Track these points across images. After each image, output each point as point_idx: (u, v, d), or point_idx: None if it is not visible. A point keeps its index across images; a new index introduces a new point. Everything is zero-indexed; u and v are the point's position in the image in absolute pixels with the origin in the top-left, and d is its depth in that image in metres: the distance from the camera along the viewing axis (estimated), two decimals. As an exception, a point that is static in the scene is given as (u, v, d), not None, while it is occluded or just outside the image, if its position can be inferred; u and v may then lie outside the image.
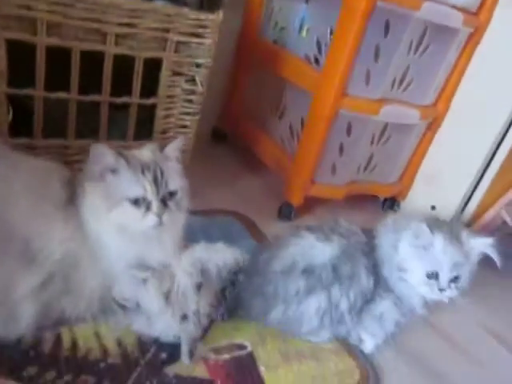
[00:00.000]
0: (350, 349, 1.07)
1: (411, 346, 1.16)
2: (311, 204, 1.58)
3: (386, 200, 1.79)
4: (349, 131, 1.42)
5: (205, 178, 1.62)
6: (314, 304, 0.97)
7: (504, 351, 1.25)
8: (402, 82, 1.43)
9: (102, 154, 0.88)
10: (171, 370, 0.89)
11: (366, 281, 0.99)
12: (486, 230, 1.59)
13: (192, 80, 1.22)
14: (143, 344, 0.93)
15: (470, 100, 1.56)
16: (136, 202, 0.89)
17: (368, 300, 1.00)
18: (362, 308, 1.01)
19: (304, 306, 0.97)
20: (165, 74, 1.18)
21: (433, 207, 1.69)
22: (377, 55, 1.31)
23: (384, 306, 1.01)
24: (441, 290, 0.95)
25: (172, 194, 0.94)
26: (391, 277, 0.99)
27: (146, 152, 0.96)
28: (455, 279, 0.96)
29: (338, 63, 1.28)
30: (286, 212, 1.49)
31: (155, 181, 0.91)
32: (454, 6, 1.34)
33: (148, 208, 0.90)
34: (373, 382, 1.00)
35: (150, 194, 0.90)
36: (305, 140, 1.44)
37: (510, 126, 1.49)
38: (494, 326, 1.34)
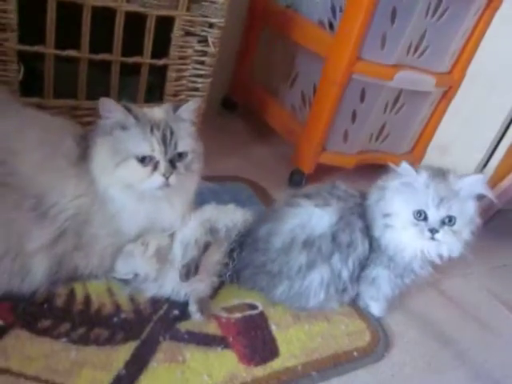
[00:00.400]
0: (361, 312, 1.07)
1: (420, 310, 1.16)
2: (321, 172, 1.57)
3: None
4: (362, 97, 1.39)
5: (215, 145, 1.60)
6: (318, 277, 0.97)
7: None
8: (418, 47, 1.40)
9: (111, 108, 0.87)
10: (183, 327, 0.90)
11: (361, 246, 0.97)
12: (501, 201, 1.58)
13: (204, 41, 1.19)
14: (155, 302, 0.94)
15: (485, 69, 1.52)
16: (143, 160, 0.88)
17: (364, 266, 0.99)
18: (359, 274, 1.00)
19: (308, 280, 0.97)
20: (177, 34, 1.16)
21: (445, 178, 1.66)
22: (393, 17, 1.28)
23: (377, 270, 0.99)
24: (431, 231, 0.89)
25: (181, 156, 0.92)
26: (380, 232, 0.95)
27: (157, 111, 0.94)
28: (448, 221, 0.90)
29: (352, 25, 1.25)
30: (296, 179, 1.48)
31: (164, 140, 0.89)
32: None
33: (155, 168, 0.89)
34: (383, 344, 1.01)
35: (158, 153, 0.88)
36: (316, 106, 1.41)
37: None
38: (504, 293, 1.33)
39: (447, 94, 1.59)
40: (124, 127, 0.88)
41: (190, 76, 1.25)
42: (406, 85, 1.42)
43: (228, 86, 1.90)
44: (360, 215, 0.98)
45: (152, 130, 0.88)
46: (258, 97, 1.75)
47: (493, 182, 1.58)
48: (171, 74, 1.22)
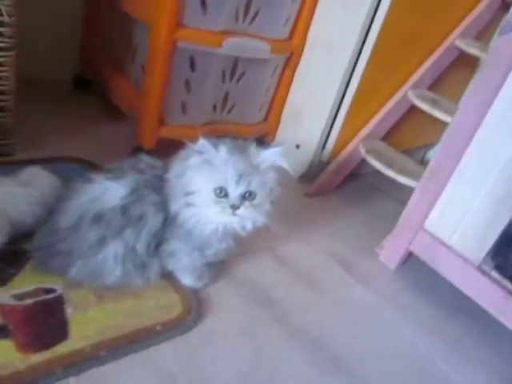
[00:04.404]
0: (178, 285, 1.04)
1: (250, 276, 1.16)
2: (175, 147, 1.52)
3: (256, 141, 1.76)
4: (192, 66, 1.35)
5: (59, 127, 1.53)
6: (111, 253, 0.92)
7: (348, 277, 1.28)
8: (247, 12, 1.37)
9: None
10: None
11: (153, 219, 0.93)
12: (347, 165, 1.62)
13: (-3, 10, 1.09)
14: None
15: (323, 33, 1.54)
16: None
17: (161, 239, 0.96)
18: (158, 248, 0.97)
19: (101, 257, 0.92)
20: (-40, 2, 1.05)
21: (297, 146, 1.68)
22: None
23: (173, 244, 0.97)
24: (233, 207, 0.88)
25: None
26: (178, 208, 0.93)
27: None
28: (249, 196, 0.90)
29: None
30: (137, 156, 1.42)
31: None
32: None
33: None
34: (195, 314, 0.99)
35: None
36: (148, 77, 1.35)
37: (357, 61, 1.49)
38: (342, 253, 1.37)
39: (290, 60, 1.59)
40: None
41: (-12, 49, 1.14)
42: (237, 52, 1.39)
43: (78, 64, 1.79)
44: (156, 188, 0.95)
45: None
46: (106, 73, 1.66)
47: (339, 147, 1.62)
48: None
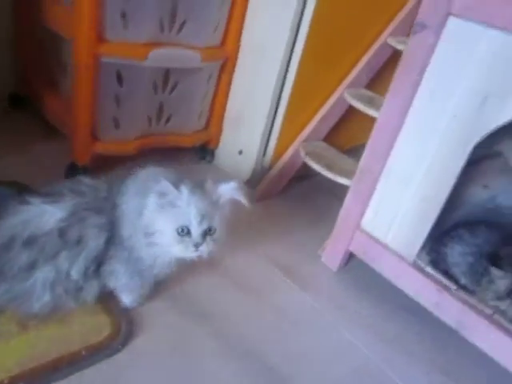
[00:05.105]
0: (109, 306, 1.02)
1: (187, 292, 1.15)
2: (113, 162, 1.49)
3: (200, 149, 1.75)
4: (120, 80, 1.33)
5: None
6: (40, 278, 0.90)
7: (289, 283, 1.28)
8: (172, 22, 1.36)
9: None
10: None
11: (95, 242, 0.92)
12: (289, 169, 1.62)
13: None
14: None
15: (255, 38, 1.54)
16: None
17: (102, 259, 0.95)
18: (99, 269, 0.95)
19: (30, 282, 0.90)
20: None
21: (240, 152, 1.68)
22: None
23: (114, 266, 0.96)
24: (196, 245, 0.89)
25: None
26: (138, 246, 0.93)
27: None
28: (210, 231, 0.91)
29: (83, 6, 1.18)
30: (72, 174, 1.39)
31: None
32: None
33: None
34: (124, 335, 0.97)
35: None
36: (76, 94, 1.33)
37: (289, 64, 1.49)
38: (286, 259, 1.37)
39: (225, 67, 1.58)
40: None
41: None
42: (165, 63, 1.38)
43: (14, 81, 1.75)
44: (99, 210, 0.94)
45: None
46: (41, 91, 1.62)
47: (280, 150, 1.62)
48: None
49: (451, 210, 1.30)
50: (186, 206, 0.89)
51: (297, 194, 1.74)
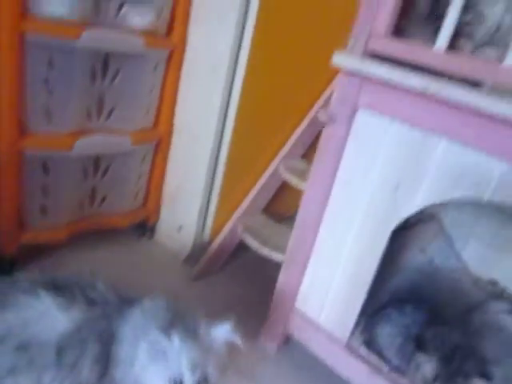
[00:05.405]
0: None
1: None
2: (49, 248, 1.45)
3: (139, 226, 1.73)
4: (46, 171, 1.32)
5: None
6: None
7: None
8: (100, 111, 1.37)
9: None
10: None
11: (87, 374, 0.87)
12: (228, 245, 1.62)
13: None
14: None
15: (187, 121, 1.57)
16: None
17: None
18: None
19: None
20: None
21: (179, 227, 1.67)
22: (49, 90, 1.22)
23: None
24: None
25: None
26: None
27: None
28: (203, 379, 0.86)
29: (2, 102, 1.17)
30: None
31: None
32: (133, 31, 1.32)
33: None
34: None
35: None
36: (0, 185, 1.30)
37: (220, 142, 1.53)
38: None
39: (159, 147, 1.60)
40: None
41: None
42: (94, 150, 1.38)
43: None
44: (100, 335, 0.88)
45: None
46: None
47: (218, 226, 1.62)
48: None
49: (388, 278, 1.31)
50: (177, 356, 0.85)
51: (240, 268, 1.72)
